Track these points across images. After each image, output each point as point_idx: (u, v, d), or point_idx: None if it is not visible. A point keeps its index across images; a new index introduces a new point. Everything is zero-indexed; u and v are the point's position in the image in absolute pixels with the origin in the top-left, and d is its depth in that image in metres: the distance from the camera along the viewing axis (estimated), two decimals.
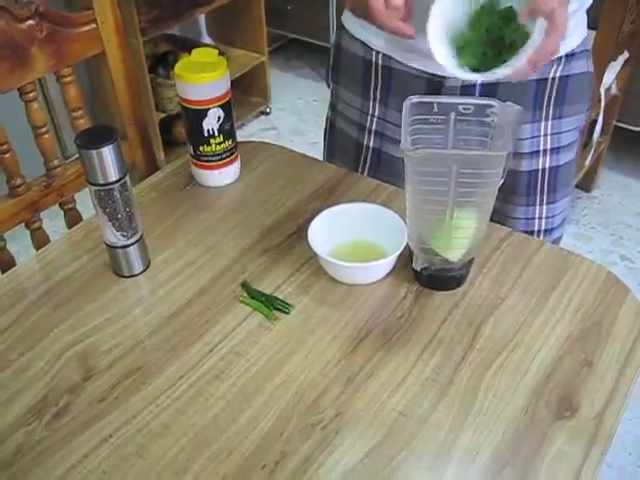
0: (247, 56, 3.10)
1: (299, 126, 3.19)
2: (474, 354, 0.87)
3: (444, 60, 0.84)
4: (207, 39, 3.29)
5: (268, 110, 3.27)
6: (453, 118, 0.88)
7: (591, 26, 1.13)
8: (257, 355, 0.88)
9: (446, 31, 0.84)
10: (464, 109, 0.87)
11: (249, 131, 3.14)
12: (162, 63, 2.78)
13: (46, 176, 1.21)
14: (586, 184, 2.71)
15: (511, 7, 0.83)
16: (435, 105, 0.87)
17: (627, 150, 2.85)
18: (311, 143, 2.96)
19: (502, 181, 0.89)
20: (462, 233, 0.88)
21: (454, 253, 0.90)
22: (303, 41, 3.45)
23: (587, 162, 2.44)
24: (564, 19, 0.79)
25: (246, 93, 3.20)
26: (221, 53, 3.11)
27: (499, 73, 0.82)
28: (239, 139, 1.17)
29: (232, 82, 1.12)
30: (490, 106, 0.87)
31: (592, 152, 2.42)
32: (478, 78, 0.85)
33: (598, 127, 2.32)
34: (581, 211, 2.67)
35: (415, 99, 0.86)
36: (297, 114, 3.29)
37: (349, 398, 0.82)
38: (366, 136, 1.22)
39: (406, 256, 0.96)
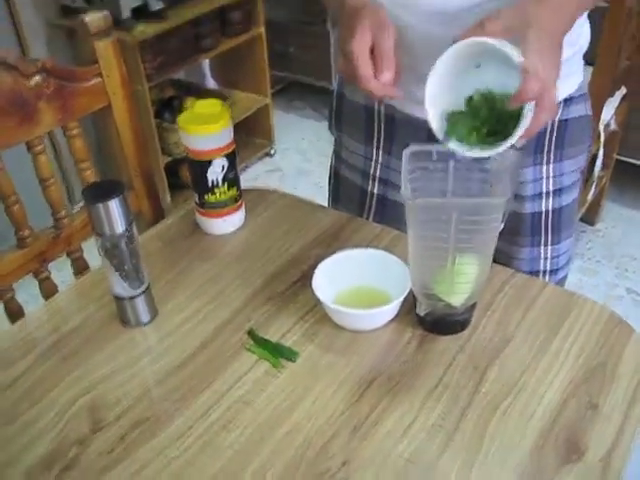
0: (251, 98, 3.14)
1: (303, 167, 3.22)
2: (480, 398, 0.87)
3: (437, 127, 0.85)
4: (211, 83, 3.34)
5: (272, 152, 3.30)
6: (452, 165, 0.89)
7: (588, 62, 1.15)
8: (264, 403, 0.88)
9: (441, 101, 0.85)
10: (462, 156, 0.89)
11: (253, 173, 3.17)
12: (168, 108, 2.83)
13: (54, 227, 1.23)
14: (590, 217, 2.73)
15: (504, 97, 0.83)
16: (434, 153, 0.88)
17: (630, 183, 2.87)
18: (316, 183, 2.99)
19: (502, 225, 0.90)
20: (464, 278, 0.89)
21: (457, 298, 0.91)
22: (305, 82, 3.50)
23: (589, 197, 2.46)
24: (553, 101, 0.79)
25: (250, 135, 3.24)
26: (225, 96, 3.14)
27: (489, 151, 0.83)
28: (244, 181, 1.18)
29: (236, 124, 1.15)
30: None
31: (594, 187, 2.44)
32: (468, 154, 0.85)
33: (599, 162, 2.34)
34: (585, 244, 2.68)
35: (414, 147, 0.88)
36: (301, 154, 3.32)
37: (356, 446, 0.82)
38: (370, 183, 1.24)
39: (410, 301, 0.97)
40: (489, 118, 0.84)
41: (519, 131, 0.79)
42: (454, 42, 0.80)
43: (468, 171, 0.89)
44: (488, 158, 0.84)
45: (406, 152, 0.88)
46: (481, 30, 0.78)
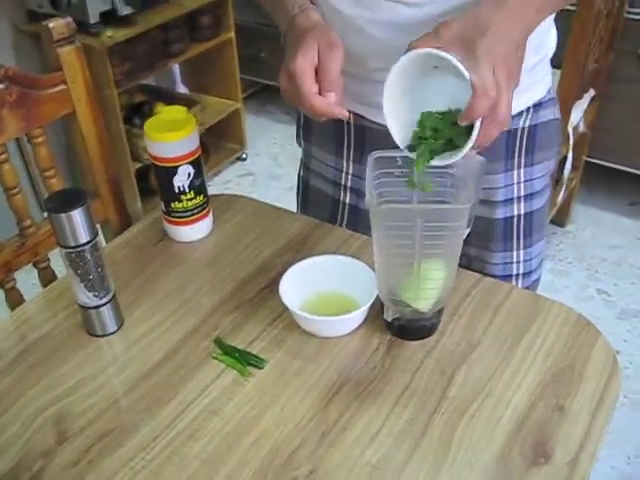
0: (222, 103, 3.13)
1: (275, 171, 3.22)
2: (447, 403, 0.87)
3: (398, 138, 0.85)
4: (182, 88, 3.32)
5: (244, 156, 3.29)
6: None
7: (555, 65, 1.16)
8: (231, 412, 0.88)
9: (400, 111, 0.84)
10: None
11: (225, 177, 3.16)
12: (137, 113, 2.80)
13: (19, 235, 1.21)
14: (560, 219, 2.75)
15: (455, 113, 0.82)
16: (398, 159, 0.88)
17: (599, 184, 2.90)
18: (288, 188, 2.98)
19: (469, 230, 0.90)
20: (431, 284, 0.89)
21: (424, 303, 0.91)
22: (276, 87, 3.49)
23: (559, 199, 2.47)
24: (505, 114, 0.78)
25: (222, 140, 3.22)
26: (196, 101, 3.10)
27: (444, 161, 0.83)
28: (216, 186, 1.18)
29: (207, 129, 1.14)
30: None
31: (564, 189, 2.46)
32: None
33: (568, 164, 2.35)
34: (556, 246, 2.70)
35: (378, 154, 0.88)
36: (273, 159, 3.31)
37: (324, 453, 0.82)
38: (342, 193, 1.24)
39: (378, 307, 0.97)
40: (443, 136, 0.84)
41: (469, 144, 0.79)
42: (408, 49, 0.79)
43: (433, 176, 0.89)
44: (451, 164, 0.85)
45: (370, 158, 0.88)
46: (435, 38, 0.78)
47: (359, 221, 1.23)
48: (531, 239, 1.21)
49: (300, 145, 1.31)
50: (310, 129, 1.25)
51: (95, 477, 0.81)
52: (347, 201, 1.24)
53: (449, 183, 0.88)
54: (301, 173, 1.33)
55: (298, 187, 1.35)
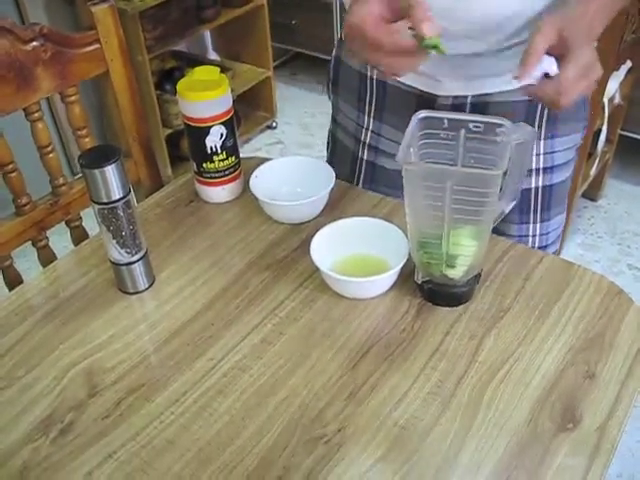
0: (253, 71, 3.12)
1: (305, 140, 3.21)
2: (476, 367, 0.87)
3: None
4: (213, 55, 3.31)
5: (274, 124, 3.28)
6: (463, 135, 0.88)
7: None
8: (260, 370, 0.88)
9: None
10: (474, 127, 0.87)
11: (255, 145, 3.15)
12: (169, 79, 2.80)
13: (52, 194, 1.22)
14: (592, 193, 2.71)
15: None
16: (445, 121, 0.86)
17: (633, 158, 2.85)
18: (318, 157, 2.96)
19: (514, 204, 0.89)
20: (461, 250, 0.88)
21: (454, 270, 0.91)
22: (308, 55, 3.47)
23: (592, 172, 2.44)
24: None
25: (252, 108, 3.22)
26: (227, 68, 3.09)
27: None
28: (246, 154, 1.18)
29: (238, 97, 1.14)
30: (500, 125, 0.86)
31: (597, 162, 2.42)
32: None
33: (602, 137, 2.32)
34: (587, 220, 2.67)
35: (424, 113, 0.86)
36: (303, 128, 3.30)
37: (352, 412, 0.82)
38: (361, 149, 1.24)
39: (410, 268, 0.96)
40: None
41: None
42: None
43: (479, 142, 0.87)
44: (502, 128, 0.84)
45: (415, 117, 0.86)
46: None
47: (375, 178, 1.23)
48: (549, 213, 1.19)
49: (330, 98, 1.30)
50: (338, 82, 1.25)
51: (125, 430, 0.83)
52: (365, 158, 1.24)
53: (494, 150, 0.86)
54: (330, 127, 1.34)
55: (328, 142, 1.35)
